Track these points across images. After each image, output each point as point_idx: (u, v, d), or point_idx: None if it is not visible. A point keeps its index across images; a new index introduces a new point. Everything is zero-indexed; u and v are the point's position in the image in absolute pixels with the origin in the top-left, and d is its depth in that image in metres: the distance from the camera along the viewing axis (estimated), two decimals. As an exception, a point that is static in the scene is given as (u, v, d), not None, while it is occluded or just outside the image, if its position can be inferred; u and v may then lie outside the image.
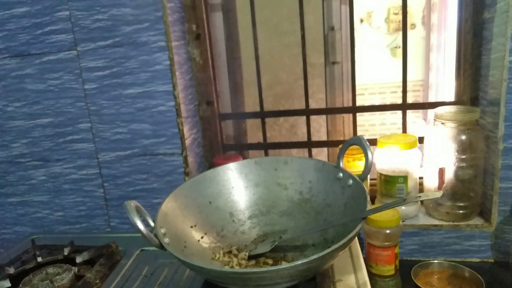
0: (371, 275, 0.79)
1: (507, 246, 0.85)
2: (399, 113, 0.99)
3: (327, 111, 1.29)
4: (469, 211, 0.87)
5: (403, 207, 0.89)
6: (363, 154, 0.68)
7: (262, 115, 1.05)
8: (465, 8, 0.86)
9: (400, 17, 1.94)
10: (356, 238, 0.70)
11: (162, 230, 0.61)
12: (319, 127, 1.32)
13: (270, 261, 0.67)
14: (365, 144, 0.67)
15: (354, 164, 0.89)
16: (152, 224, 0.61)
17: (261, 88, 1.02)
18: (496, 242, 0.86)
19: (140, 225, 0.57)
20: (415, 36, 2.38)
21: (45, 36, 0.89)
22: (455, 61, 0.91)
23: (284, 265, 0.52)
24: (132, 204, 0.58)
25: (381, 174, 0.90)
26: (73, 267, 0.75)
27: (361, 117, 1.04)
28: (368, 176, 0.81)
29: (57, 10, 0.87)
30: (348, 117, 1.19)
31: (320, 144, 1.12)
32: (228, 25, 1.08)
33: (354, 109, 1.01)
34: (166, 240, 0.60)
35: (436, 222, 0.89)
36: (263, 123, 1.05)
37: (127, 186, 0.95)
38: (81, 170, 0.97)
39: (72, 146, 0.95)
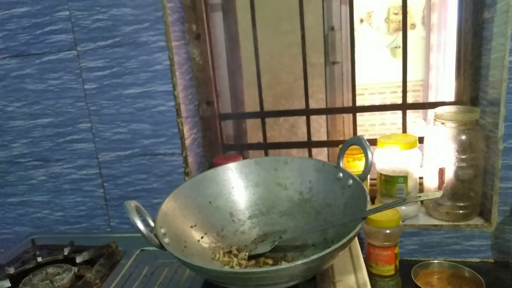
0: (371, 275, 0.79)
1: (507, 246, 0.85)
2: (399, 113, 0.99)
3: (327, 111, 1.29)
4: (469, 211, 0.87)
5: (403, 207, 0.89)
6: (363, 154, 0.68)
7: (262, 115, 1.05)
8: (465, 8, 0.86)
9: (400, 17, 1.94)
10: (356, 238, 0.70)
11: (162, 230, 0.61)
12: (319, 127, 1.32)
13: (270, 261, 0.67)
14: (365, 144, 0.67)
15: (354, 164, 0.89)
16: (152, 224, 0.61)
17: (261, 88, 1.02)
18: (496, 242, 0.86)
19: (140, 225, 0.56)
20: (415, 36, 2.37)
21: (45, 36, 0.89)
22: (455, 61, 0.91)
23: (284, 265, 0.52)
24: (132, 204, 0.58)
25: (381, 174, 0.90)
26: (73, 267, 0.75)
27: (361, 117, 1.04)
28: (368, 176, 0.81)
29: (57, 10, 0.87)
30: (348, 117, 1.19)
31: (320, 144, 1.12)
32: (228, 25, 1.08)
33: (354, 109, 1.01)
34: (166, 240, 0.60)
35: (436, 222, 0.89)
36: (263, 123, 1.05)
37: (127, 186, 0.95)
38: (81, 170, 0.97)
39: (72, 146, 0.95)
